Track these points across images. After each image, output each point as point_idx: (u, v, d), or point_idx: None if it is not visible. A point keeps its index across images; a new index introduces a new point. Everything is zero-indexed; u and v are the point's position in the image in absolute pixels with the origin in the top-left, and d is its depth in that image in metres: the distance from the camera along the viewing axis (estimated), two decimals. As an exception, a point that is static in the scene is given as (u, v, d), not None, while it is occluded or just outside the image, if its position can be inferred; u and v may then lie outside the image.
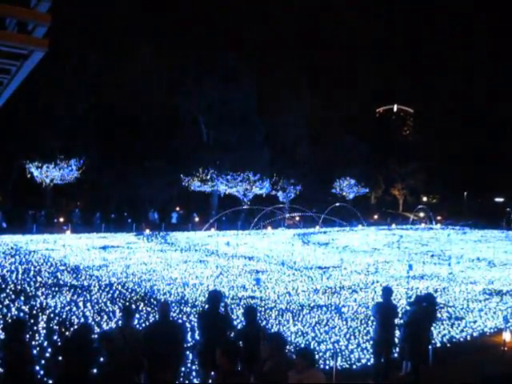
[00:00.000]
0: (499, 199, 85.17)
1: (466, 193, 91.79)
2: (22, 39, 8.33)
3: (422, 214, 75.63)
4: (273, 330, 13.23)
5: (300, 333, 13.28)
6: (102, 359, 7.69)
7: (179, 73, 56.64)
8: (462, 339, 13.59)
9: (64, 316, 14.12)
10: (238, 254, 29.34)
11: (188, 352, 10.26)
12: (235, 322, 11.71)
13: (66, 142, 45.88)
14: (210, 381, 8.89)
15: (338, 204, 52.09)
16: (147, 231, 41.22)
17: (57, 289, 17.63)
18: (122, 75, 53.99)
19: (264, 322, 13.83)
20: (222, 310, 9.23)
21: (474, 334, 14.03)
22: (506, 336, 12.39)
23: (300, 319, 14.63)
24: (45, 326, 13.00)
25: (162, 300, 15.65)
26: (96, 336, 8.08)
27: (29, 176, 46.58)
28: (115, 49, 54.75)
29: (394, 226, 60.26)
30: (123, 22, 55.15)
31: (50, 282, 18.94)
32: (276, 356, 7.23)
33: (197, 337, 10.61)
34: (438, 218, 69.54)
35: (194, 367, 10.28)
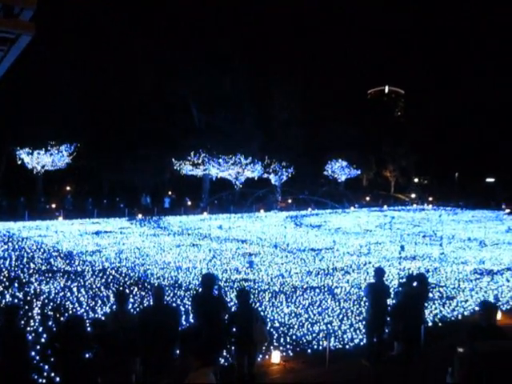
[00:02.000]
0: (490, 180, 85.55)
1: (457, 174, 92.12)
2: (8, 23, 8.21)
3: (413, 195, 75.96)
4: (266, 312, 13.34)
5: (293, 314, 13.38)
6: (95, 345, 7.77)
7: (170, 57, 56.35)
8: (453, 318, 13.74)
9: (58, 302, 14.16)
10: (230, 237, 29.42)
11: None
12: (229, 305, 11.79)
13: (57, 128, 45.62)
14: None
15: (329, 186, 52.25)
16: (140, 216, 41.19)
17: (50, 275, 17.64)
18: (113, 60, 53.67)
19: (257, 304, 13.92)
20: (216, 292, 9.29)
21: (466, 313, 14.18)
22: (498, 315, 12.52)
23: (293, 301, 14.74)
24: (39, 311, 13.03)
25: (156, 284, 15.71)
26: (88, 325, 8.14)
27: (19, 163, 46.38)
28: (105, 33, 54.29)
29: (385, 207, 60.46)
30: (114, 7, 54.45)
31: (43, 268, 18.93)
32: None
33: (191, 320, 10.68)
34: (430, 199, 69.78)
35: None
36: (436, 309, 14.30)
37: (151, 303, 9.55)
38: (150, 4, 55.75)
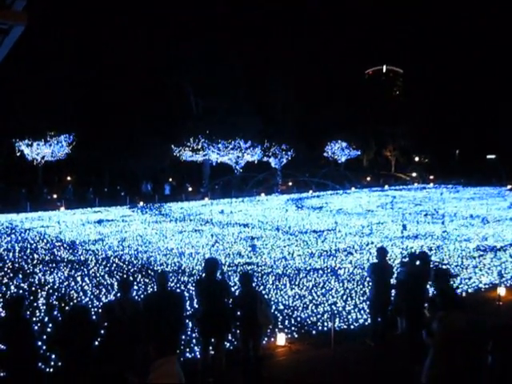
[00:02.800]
0: (491, 156, 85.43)
1: (457, 151, 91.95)
2: (0, 14, 8.13)
3: (414, 174, 75.92)
4: (270, 295, 13.39)
5: (297, 296, 13.43)
6: (102, 331, 7.81)
7: (167, 44, 56.11)
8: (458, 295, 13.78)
9: (63, 291, 14.22)
10: (232, 221, 29.46)
11: (187, 320, 10.37)
12: (233, 289, 11.83)
13: (56, 118, 45.50)
14: (210, 347, 9.01)
15: (330, 168, 52.15)
16: (141, 203, 41.21)
17: (54, 265, 17.70)
18: (110, 48, 53.48)
19: (261, 288, 13.97)
20: (219, 277, 9.31)
21: (470, 291, 14.23)
22: (501, 291, 12.55)
23: (297, 283, 14.79)
24: (44, 302, 13.09)
25: (160, 271, 15.76)
26: (93, 314, 8.18)
27: (19, 154, 46.34)
28: (101, 22, 54.09)
29: (386, 187, 60.45)
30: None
31: (47, 258, 18.99)
32: None
33: (195, 305, 10.73)
34: (431, 177, 69.75)
35: (193, 335, 10.42)
36: (440, 287, 14.32)
37: (155, 289, 9.58)
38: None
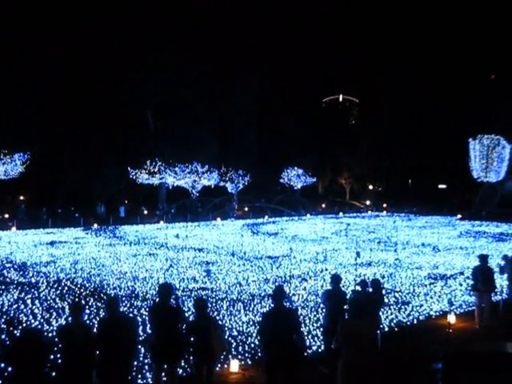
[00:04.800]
0: (442, 186, 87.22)
1: (410, 180, 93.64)
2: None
3: (368, 202, 76.91)
4: (224, 321, 13.34)
5: (251, 322, 13.41)
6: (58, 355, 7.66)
7: (125, 61, 55.88)
8: (408, 323, 13.99)
9: (12, 314, 13.88)
10: (187, 245, 29.30)
11: (140, 346, 10.24)
12: (186, 314, 11.74)
13: (9, 136, 44.69)
14: (163, 373, 8.92)
15: (285, 194, 52.42)
16: (95, 226, 40.65)
17: (3, 287, 17.29)
18: (66, 65, 52.99)
19: (215, 313, 13.91)
20: (173, 302, 9.25)
21: (421, 318, 14.46)
22: (451, 318, 12.80)
23: (251, 309, 14.78)
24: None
25: (112, 295, 15.53)
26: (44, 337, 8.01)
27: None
28: (57, 35, 53.53)
29: (341, 214, 61.08)
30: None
31: (-4, 280, 18.54)
32: None
33: (148, 330, 10.61)
34: (384, 205, 70.78)
35: (146, 361, 10.29)
36: (392, 314, 14.53)
37: (106, 314, 9.44)
38: (101, 7, 55.12)
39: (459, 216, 54.18)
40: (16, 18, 48.75)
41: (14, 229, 37.42)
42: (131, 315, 13.25)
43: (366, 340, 7.79)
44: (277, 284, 17.12)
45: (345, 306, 10.96)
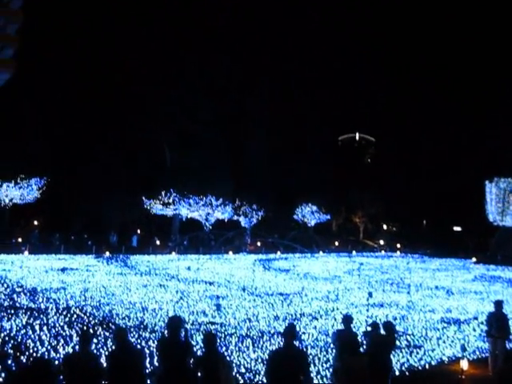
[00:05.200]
0: (457, 228, 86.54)
1: (425, 221, 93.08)
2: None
3: (382, 242, 76.38)
4: (232, 357, 13.16)
5: (260, 360, 13.21)
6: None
7: (143, 95, 56.70)
8: (420, 367, 13.71)
9: (19, 340, 13.79)
10: (198, 278, 29.15)
11: (147, 379, 10.09)
12: (195, 349, 11.59)
13: (28, 161, 45.24)
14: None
15: (299, 231, 52.25)
16: (107, 254, 40.66)
17: (13, 311, 17.23)
18: (85, 95, 53.82)
19: (224, 349, 13.73)
20: (182, 336, 9.14)
21: (433, 363, 14.17)
22: (464, 364, 12.52)
23: (260, 346, 14.57)
24: (-1, 349, 12.66)
25: (118, 326, 15.39)
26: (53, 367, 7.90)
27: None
28: (75, 67, 54.53)
29: (354, 253, 60.65)
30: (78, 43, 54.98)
31: (5, 304, 18.51)
32: None
33: (156, 363, 10.47)
34: (398, 246, 70.25)
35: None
36: (403, 357, 14.26)
37: (114, 345, 9.33)
38: (118, 42, 56.18)
39: (474, 259, 53.56)
40: (31, 47, 49.75)
41: (26, 253, 37.56)
42: (139, 346, 13.11)
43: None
44: (288, 322, 16.93)
45: (356, 348, 10.81)
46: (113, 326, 15.58)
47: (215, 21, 65.78)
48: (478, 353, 15.42)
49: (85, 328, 15.01)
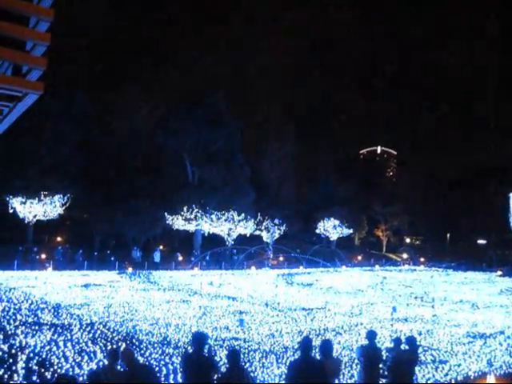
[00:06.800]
0: (482, 241, 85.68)
1: (448, 234, 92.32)
2: (16, 82, 8.30)
3: (405, 255, 75.83)
4: (256, 373, 13.10)
5: (284, 376, 13.12)
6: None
7: (165, 111, 57.26)
8: (446, 383, 13.53)
9: (44, 356, 13.87)
10: (221, 294, 29.13)
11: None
12: (218, 365, 11.57)
13: (52, 178, 45.79)
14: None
15: (321, 245, 52.09)
16: (130, 270, 40.85)
17: (37, 327, 17.33)
18: (109, 114, 54.48)
19: (247, 365, 13.68)
20: (206, 351, 9.14)
21: (459, 378, 13.97)
22: (490, 379, 12.36)
23: (284, 361, 14.48)
24: (24, 365, 12.73)
25: (127, 347, 15.37)
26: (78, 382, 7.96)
27: (11, 211, 46.21)
28: (102, 88, 55.35)
29: (377, 267, 60.26)
30: (111, 62, 55.91)
31: (30, 320, 18.61)
32: None
33: (179, 379, 10.47)
34: (421, 259, 69.67)
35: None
36: (429, 373, 14.07)
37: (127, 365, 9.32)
38: (144, 60, 57.14)
39: (499, 272, 52.92)
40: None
41: (50, 269, 37.89)
42: (161, 362, 13.10)
43: None
44: (304, 335, 16.85)
45: (380, 364, 10.73)
46: (136, 343, 15.63)
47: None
48: (504, 367, 15.16)
49: (114, 346, 15.02)
